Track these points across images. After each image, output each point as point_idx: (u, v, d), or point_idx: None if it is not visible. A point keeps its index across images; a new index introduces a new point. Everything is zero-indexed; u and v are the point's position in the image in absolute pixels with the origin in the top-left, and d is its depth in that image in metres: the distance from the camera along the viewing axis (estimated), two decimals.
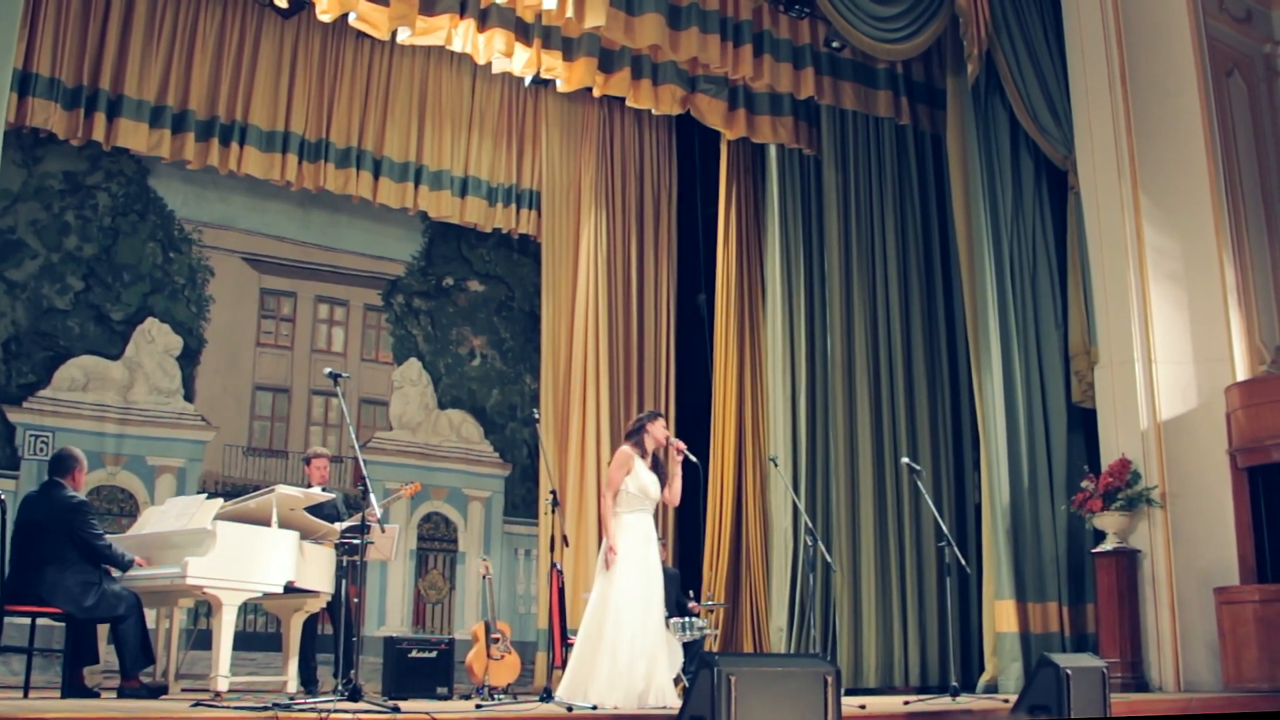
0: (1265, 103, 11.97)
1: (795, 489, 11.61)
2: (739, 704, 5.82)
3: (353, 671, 6.52)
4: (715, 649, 10.86)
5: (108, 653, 7.92)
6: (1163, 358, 10.86)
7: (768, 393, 12.65)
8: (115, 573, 7.65)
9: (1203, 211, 11.00)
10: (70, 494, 7.64)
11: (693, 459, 7.72)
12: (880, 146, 12.40)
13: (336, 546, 8.49)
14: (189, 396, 11.25)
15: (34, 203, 10.72)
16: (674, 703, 6.87)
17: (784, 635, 11.68)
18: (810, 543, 9.17)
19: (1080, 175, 11.49)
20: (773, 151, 12.87)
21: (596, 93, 11.88)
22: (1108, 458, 10.83)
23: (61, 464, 7.78)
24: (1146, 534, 10.60)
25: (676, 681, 7.71)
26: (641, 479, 7.46)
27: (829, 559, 10.43)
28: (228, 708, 5.66)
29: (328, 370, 7.27)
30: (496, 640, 10.14)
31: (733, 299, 12.89)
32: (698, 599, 11.04)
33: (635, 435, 7.63)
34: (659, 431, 7.60)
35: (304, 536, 8.08)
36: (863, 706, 7.73)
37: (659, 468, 7.59)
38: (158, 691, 7.87)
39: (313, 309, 12.12)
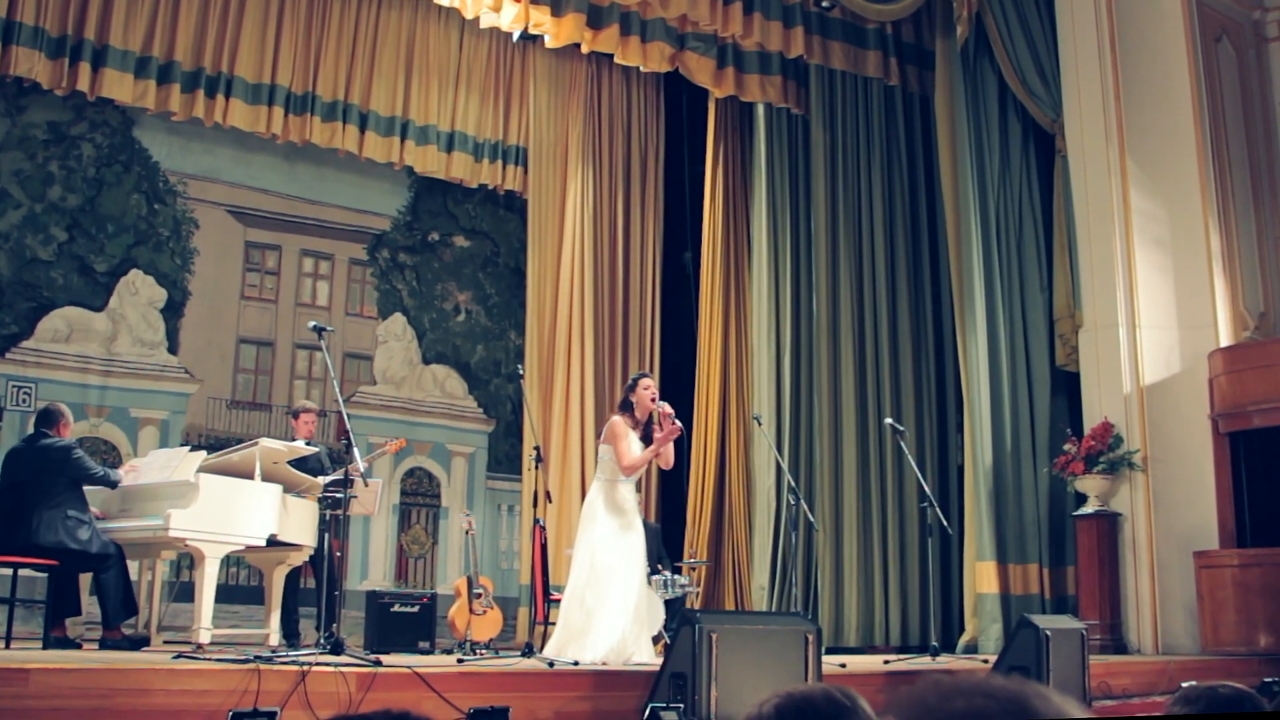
0: (1253, 69, 11.95)
1: (779, 448, 11.64)
2: (720, 661, 5.87)
3: (335, 625, 6.55)
4: (697, 606, 10.90)
5: (90, 604, 7.95)
6: (1147, 322, 10.90)
7: (752, 351, 12.65)
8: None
9: (1189, 177, 11.01)
10: (58, 440, 7.77)
11: (678, 424, 7.73)
12: (869, 107, 12.38)
13: (319, 500, 8.51)
14: (173, 349, 11.21)
15: (18, 152, 10.63)
16: (655, 660, 6.91)
17: (765, 594, 11.74)
18: (793, 502, 9.19)
19: (1068, 139, 11.47)
20: (761, 110, 12.83)
21: (585, 49, 11.83)
22: (1090, 421, 10.88)
23: (48, 417, 7.98)
24: (1127, 497, 10.67)
25: (658, 639, 7.75)
26: (634, 450, 7.48)
27: (811, 518, 10.46)
28: (209, 659, 5.67)
29: (312, 324, 7.26)
30: (479, 595, 10.17)
31: (718, 257, 12.86)
32: (673, 559, 11.04)
33: (625, 407, 7.67)
34: (646, 400, 7.62)
35: (287, 490, 8.09)
36: (843, 665, 7.79)
37: (649, 435, 7.60)
38: (139, 643, 7.91)
39: (298, 262, 12.07)
